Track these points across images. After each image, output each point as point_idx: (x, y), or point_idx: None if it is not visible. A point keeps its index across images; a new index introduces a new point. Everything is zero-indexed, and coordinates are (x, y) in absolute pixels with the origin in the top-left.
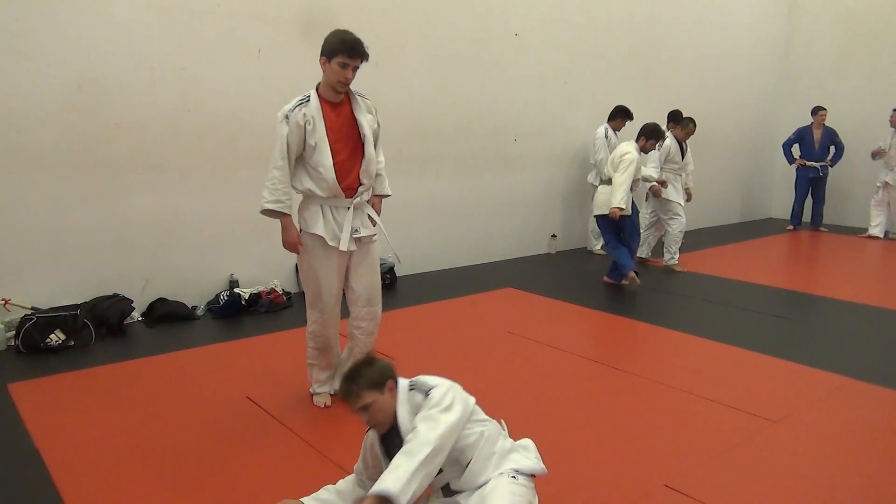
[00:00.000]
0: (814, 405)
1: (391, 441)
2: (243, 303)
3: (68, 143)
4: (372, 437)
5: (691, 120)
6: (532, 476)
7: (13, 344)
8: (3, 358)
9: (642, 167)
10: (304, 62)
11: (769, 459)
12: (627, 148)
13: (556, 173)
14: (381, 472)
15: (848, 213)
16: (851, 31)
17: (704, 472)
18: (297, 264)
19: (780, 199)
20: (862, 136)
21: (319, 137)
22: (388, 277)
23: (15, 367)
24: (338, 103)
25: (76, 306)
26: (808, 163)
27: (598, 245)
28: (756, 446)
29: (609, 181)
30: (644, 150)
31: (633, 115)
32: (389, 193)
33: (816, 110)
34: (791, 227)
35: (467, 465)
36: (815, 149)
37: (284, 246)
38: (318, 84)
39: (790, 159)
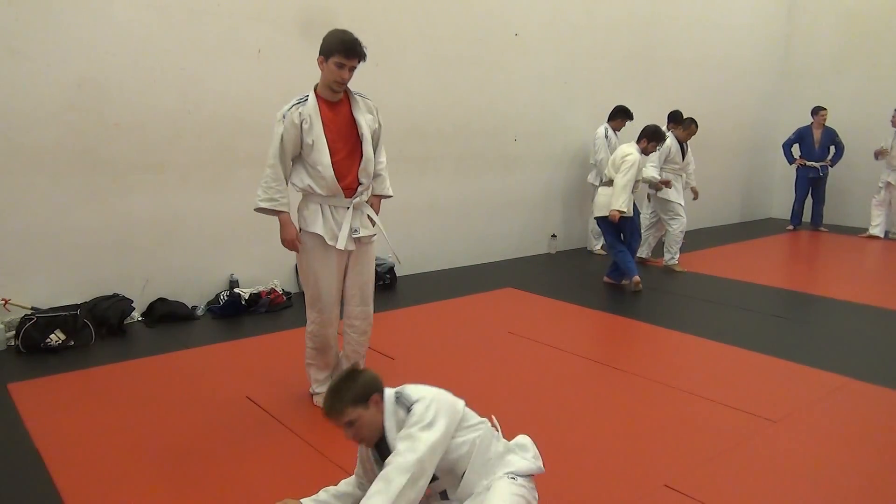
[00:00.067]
0: (814, 405)
1: (386, 449)
2: (243, 303)
3: (68, 143)
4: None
5: (693, 121)
6: (531, 475)
7: (13, 344)
8: (3, 358)
9: (643, 169)
10: (304, 62)
11: (769, 459)
12: (629, 149)
13: (556, 173)
14: None
15: (848, 213)
16: (851, 31)
17: (704, 472)
18: (296, 264)
19: (780, 199)
20: (862, 136)
21: (317, 136)
22: (388, 277)
23: (15, 367)
24: (336, 103)
25: (76, 306)
26: (808, 163)
27: (598, 245)
28: (756, 446)
29: (609, 182)
30: (645, 151)
31: (633, 115)
32: (391, 194)
33: (817, 110)
34: (791, 227)
35: (462, 476)
36: (815, 149)
37: (283, 244)
38: (318, 84)
39: (790, 159)
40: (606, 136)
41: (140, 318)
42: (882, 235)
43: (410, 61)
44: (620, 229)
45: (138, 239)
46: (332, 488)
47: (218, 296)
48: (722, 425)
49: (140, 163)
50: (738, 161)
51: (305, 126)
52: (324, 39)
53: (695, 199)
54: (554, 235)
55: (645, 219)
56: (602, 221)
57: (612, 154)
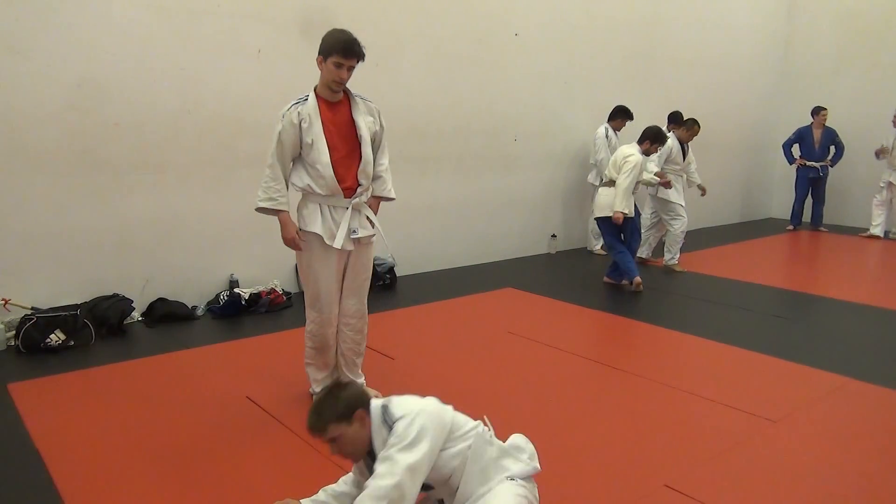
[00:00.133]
0: (814, 405)
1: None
2: (243, 303)
3: (68, 143)
4: None
5: (695, 121)
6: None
7: (13, 344)
8: (3, 358)
9: (644, 170)
10: (304, 62)
11: (769, 459)
12: (630, 151)
13: (556, 173)
14: None
15: (848, 213)
16: (851, 31)
17: (704, 472)
18: (296, 264)
19: (780, 199)
20: (862, 136)
21: (316, 135)
22: (388, 277)
23: (15, 367)
24: (336, 103)
25: (76, 306)
26: (809, 163)
27: (598, 245)
28: (756, 446)
29: (610, 182)
30: (647, 153)
31: (634, 115)
32: (393, 197)
33: (817, 111)
34: (791, 227)
35: (457, 488)
36: (815, 149)
37: (284, 242)
38: (317, 84)
39: (790, 159)
40: (607, 136)
41: (140, 318)
42: (882, 235)
43: (410, 61)
44: (621, 230)
45: (138, 239)
46: (330, 487)
47: (218, 296)
48: (722, 425)
49: (140, 163)
50: (738, 161)
51: (304, 125)
52: (323, 39)
53: (703, 195)
54: (554, 235)
55: (646, 219)
56: (602, 222)
57: (612, 154)
